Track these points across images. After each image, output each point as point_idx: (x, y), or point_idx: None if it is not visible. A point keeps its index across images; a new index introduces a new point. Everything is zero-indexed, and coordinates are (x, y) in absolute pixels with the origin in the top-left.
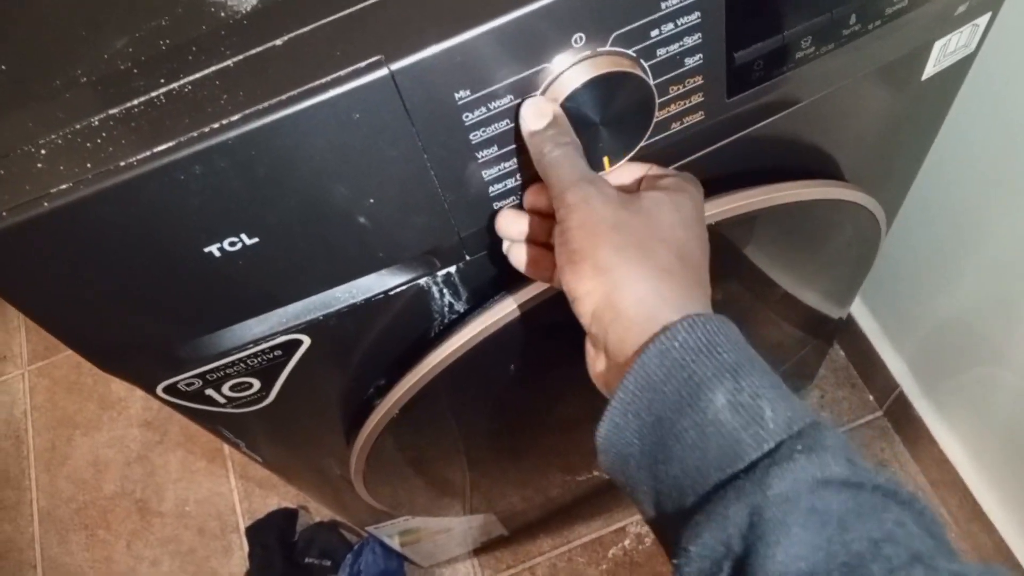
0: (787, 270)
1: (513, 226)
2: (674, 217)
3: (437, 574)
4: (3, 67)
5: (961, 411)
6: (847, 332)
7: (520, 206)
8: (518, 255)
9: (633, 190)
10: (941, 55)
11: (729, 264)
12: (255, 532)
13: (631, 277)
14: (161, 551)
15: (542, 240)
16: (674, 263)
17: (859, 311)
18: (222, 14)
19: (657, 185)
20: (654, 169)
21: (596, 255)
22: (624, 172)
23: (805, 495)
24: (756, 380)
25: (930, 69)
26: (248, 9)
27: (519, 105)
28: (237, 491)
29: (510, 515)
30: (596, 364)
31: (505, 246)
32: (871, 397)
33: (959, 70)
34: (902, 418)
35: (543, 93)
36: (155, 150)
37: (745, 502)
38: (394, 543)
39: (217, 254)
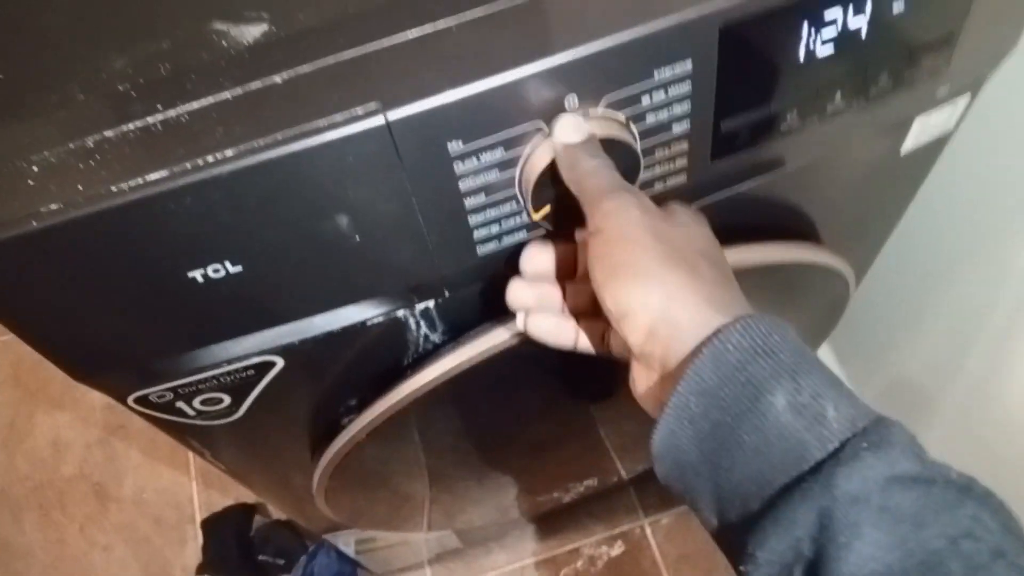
0: None
1: (526, 296)
2: (706, 232)
3: None
4: (0, 76)
5: None
6: None
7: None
8: (537, 325)
9: None
10: (920, 132)
11: None
12: (211, 525)
13: (685, 289)
14: (115, 537)
15: (556, 306)
16: (717, 276)
17: (824, 354)
18: (224, 43)
19: (679, 205)
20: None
21: (644, 267)
22: None
23: (875, 494)
24: (815, 379)
25: (909, 144)
26: (251, 41)
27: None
28: (196, 482)
29: (467, 529)
30: (645, 382)
31: (520, 320)
32: None
33: (936, 146)
34: None
35: (534, 150)
36: (148, 178)
37: (813, 504)
38: (349, 550)
39: (200, 280)
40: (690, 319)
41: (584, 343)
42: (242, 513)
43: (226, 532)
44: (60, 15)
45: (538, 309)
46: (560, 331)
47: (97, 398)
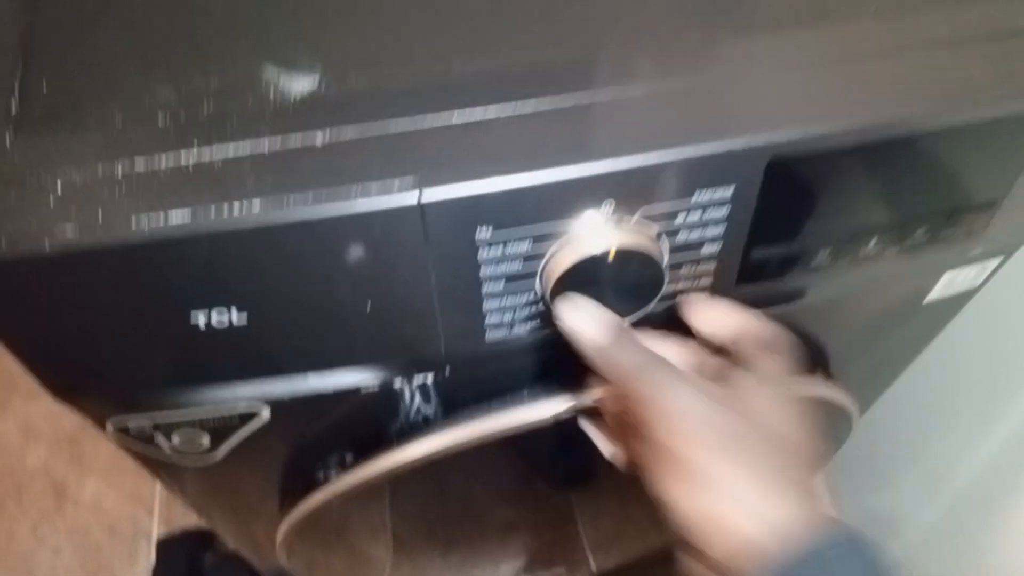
0: None
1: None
2: (771, 401)
3: None
4: (45, 81)
5: None
6: None
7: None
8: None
9: (711, 361)
10: (947, 285)
11: None
12: (165, 547)
13: (735, 484)
14: (66, 540)
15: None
16: (777, 461)
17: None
18: (271, 93)
19: (747, 365)
20: (751, 324)
21: (690, 456)
22: (713, 316)
23: None
24: None
25: (934, 295)
26: (298, 94)
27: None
28: (159, 498)
29: None
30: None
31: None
32: None
33: (960, 301)
34: None
35: (562, 247)
36: (170, 221)
37: None
38: None
39: (202, 324)
40: (743, 523)
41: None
42: (198, 540)
43: (178, 557)
44: (117, 33)
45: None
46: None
47: None
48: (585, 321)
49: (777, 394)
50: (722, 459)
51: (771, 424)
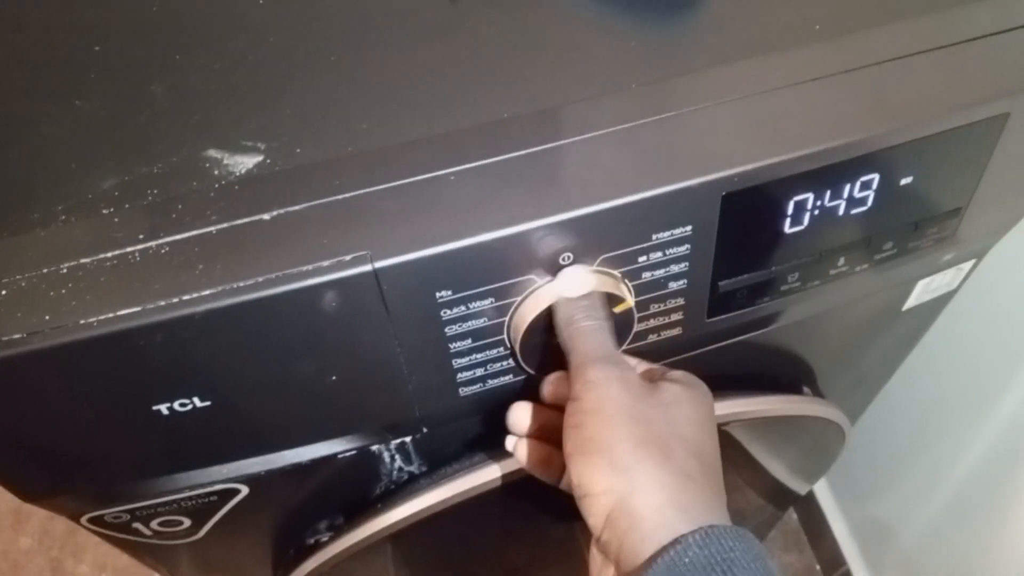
0: (744, 467)
1: (525, 421)
2: (694, 414)
3: None
4: None
5: None
6: (803, 498)
7: (533, 399)
8: (526, 453)
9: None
10: (923, 291)
11: None
12: None
13: (650, 481)
14: None
15: (554, 439)
16: (693, 466)
17: (819, 483)
18: (216, 172)
19: (672, 378)
20: (657, 369)
21: (613, 449)
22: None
23: None
24: None
25: (911, 302)
26: (243, 172)
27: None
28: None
29: None
30: (599, 569)
31: (511, 442)
32: (818, 567)
33: (939, 303)
34: None
35: (525, 299)
36: (118, 313)
37: None
38: None
39: (165, 412)
40: (650, 517)
41: (568, 483)
42: None
43: None
44: (58, 127)
45: (535, 435)
46: (547, 464)
47: None
48: (568, 273)
49: (696, 407)
50: (643, 453)
51: (687, 432)
